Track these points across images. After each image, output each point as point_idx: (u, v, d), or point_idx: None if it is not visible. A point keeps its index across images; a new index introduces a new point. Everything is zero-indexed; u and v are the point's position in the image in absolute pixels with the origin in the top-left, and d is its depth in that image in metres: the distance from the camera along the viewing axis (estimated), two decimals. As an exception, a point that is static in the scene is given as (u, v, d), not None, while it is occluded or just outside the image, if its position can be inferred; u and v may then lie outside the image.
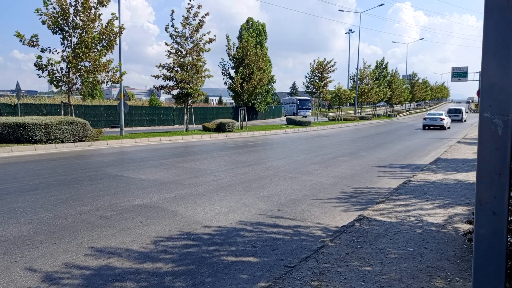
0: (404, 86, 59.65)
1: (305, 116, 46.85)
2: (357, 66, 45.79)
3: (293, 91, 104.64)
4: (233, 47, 26.02)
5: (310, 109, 54.76)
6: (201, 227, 4.94)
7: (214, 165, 10.47)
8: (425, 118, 30.03)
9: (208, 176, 8.64)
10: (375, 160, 11.71)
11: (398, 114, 57.56)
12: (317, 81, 35.27)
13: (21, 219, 5.13)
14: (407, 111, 69.63)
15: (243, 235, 4.66)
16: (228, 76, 25.95)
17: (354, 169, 9.91)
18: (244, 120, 27.54)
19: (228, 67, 26.10)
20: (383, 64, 52.73)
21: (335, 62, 35.20)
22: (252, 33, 33.96)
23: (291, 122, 33.25)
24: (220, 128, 23.99)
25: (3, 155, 12.34)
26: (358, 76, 44.61)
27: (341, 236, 4.41)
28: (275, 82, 51.02)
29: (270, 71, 45.24)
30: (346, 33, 54.25)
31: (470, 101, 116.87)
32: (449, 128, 29.92)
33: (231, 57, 25.97)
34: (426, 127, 29.34)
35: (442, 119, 29.04)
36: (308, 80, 35.92)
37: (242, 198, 6.55)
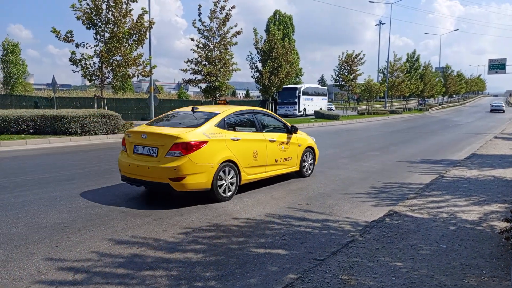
0: (437, 79, 57.69)
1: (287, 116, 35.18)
2: (387, 59, 44.66)
3: (321, 84, 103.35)
4: (261, 41, 25.96)
5: (295, 104, 37.79)
6: (230, 219, 5.01)
7: (242, 158, 10.53)
8: (491, 105, 50.17)
9: (236, 169, 8.71)
10: (406, 155, 11.44)
11: (430, 108, 55.81)
12: (346, 74, 34.71)
13: (60, 207, 5.38)
14: (439, 104, 67.36)
15: (271, 228, 4.70)
16: (255, 70, 25.94)
17: (384, 164, 9.73)
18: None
19: (256, 61, 26.08)
20: (415, 57, 51.20)
21: (364, 55, 34.52)
22: (279, 26, 33.76)
23: (319, 116, 32.92)
24: (248, 122, 24.06)
25: (42, 146, 12.91)
26: (389, 69, 43.52)
27: (371, 231, 4.36)
28: (303, 75, 50.78)
29: (298, 64, 44.95)
30: (376, 25, 52.75)
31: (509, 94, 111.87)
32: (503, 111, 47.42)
33: (258, 50, 25.92)
34: (492, 111, 47.17)
35: (503, 106, 49.39)
36: (336, 73, 35.42)
37: (270, 191, 6.58)
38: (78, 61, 16.92)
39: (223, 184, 5.88)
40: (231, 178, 6.02)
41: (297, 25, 50.36)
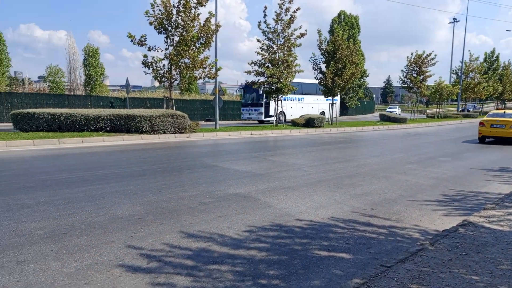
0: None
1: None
2: (462, 59, 41.72)
3: (387, 85, 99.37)
4: (325, 42, 25.65)
5: (261, 106, 29.03)
6: (293, 220, 5.02)
7: (303, 160, 10.50)
8: None
9: (298, 171, 8.71)
10: (482, 162, 10.62)
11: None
12: (415, 75, 33.04)
13: (134, 200, 5.77)
14: (521, 108, 61.34)
15: (335, 231, 4.63)
16: (319, 71, 25.68)
17: (456, 171, 9.12)
18: (334, 116, 27.04)
19: (319, 62, 25.82)
20: (494, 56, 47.23)
21: (435, 55, 32.62)
22: (344, 27, 32.95)
23: (384, 119, 31.75)
24: (309, 123, 23.92)
25: (117, 143, 13.93)
26: (463, 70, 40.59)
27: (442, 241, 4.12)
28: (367, 76, 49.18)
29: (363, 65, 43.65)
30: (449, 22, 49.46)
31: None
32: None
33: (322, 51, 25.64)
34: None
35: None
36: (404, 74, 33.85)
37: (333, 195, 6.48)
38: (149, 63, 18.01)
39: None
40: None
41: (362, 25, 48.79)
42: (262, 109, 29.13)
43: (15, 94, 27.73)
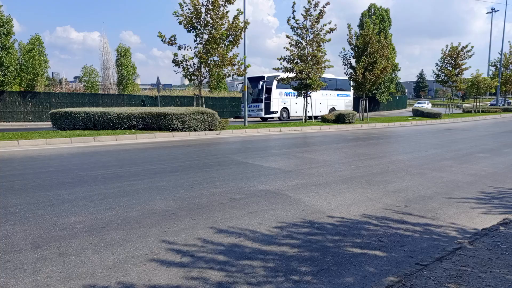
0: None
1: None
2: (501, 50, 39.77)
3: (420, 80, 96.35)
4: (354, 36, 25.15)
5: (262, 101, 27.16)
6: (324, 217, 4.98)
7: (334, 157, 10.37)
8: None
9: (328, 167, 8.61)
10: (523, 158, 10.11)
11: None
12: (450, 68, 31.84)
13: (167, 196, 5.90)
14: None
15: (368, 228, 4.55)
16: (349, 66, 25.24)
17: (496, 168, 8.73)
18: (365, 111, 26.52)
19: (349, 57, 25.37)
20: (536, 46, 44.68)
21: (472, 47, 31.29)
22: (375, 20, 32.19)
23: (417, 114, 30.85)
24: (339, 119, 23.57)
25: (149, 140, 14.27)
26: (502, 62, 38.72)
27: (482, 240, 3.96)
28: (399, 70, 47.81)
29: (394, 59, 42.50)
30: (487, 12, 47.22)
31: None
32: None
33: (352, 46, 25.17)
34: None
35: None
36: (438, 68, 32.69)
37: (365, 192, 6.37)
38: (180, 62, 18.30)
39: None
40: None
41: (394, 18, 47.42)
42: (262, 105, 27.06)
43: (53, 94, 28.96)
